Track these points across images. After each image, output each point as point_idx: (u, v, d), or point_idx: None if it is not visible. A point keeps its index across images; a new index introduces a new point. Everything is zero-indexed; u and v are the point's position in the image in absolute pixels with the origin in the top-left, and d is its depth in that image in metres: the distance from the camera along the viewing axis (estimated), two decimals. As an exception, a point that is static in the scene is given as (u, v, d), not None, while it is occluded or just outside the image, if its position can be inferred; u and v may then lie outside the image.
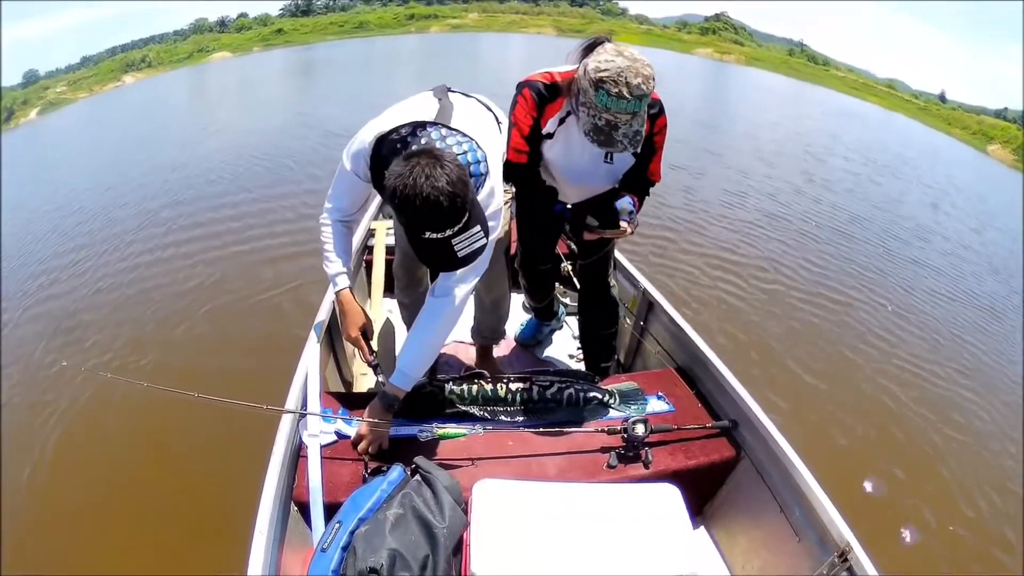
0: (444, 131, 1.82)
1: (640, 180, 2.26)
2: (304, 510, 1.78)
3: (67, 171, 11.40)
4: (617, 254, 2.88)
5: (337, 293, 2.08)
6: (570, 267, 3.12)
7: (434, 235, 1.56)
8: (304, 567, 1.54)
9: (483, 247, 1.65)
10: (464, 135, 1.83)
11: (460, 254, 1.61)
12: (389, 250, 2.85)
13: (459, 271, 1.85)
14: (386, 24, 54.42)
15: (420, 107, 1.90)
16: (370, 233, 3.49)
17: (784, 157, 10.74)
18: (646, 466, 1.96)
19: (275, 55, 41.80)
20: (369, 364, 2.12)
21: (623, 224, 2.18)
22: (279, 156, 9.58)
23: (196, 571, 2.65)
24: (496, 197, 1.88)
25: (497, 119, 2.11)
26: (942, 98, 43.32)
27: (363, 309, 2.11)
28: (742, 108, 18.20)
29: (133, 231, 6.99)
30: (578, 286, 2.99)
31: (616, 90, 1.79)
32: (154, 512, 3.07)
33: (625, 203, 2.18)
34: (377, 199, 3.54)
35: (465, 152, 1.78)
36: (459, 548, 1.56)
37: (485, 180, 1.83)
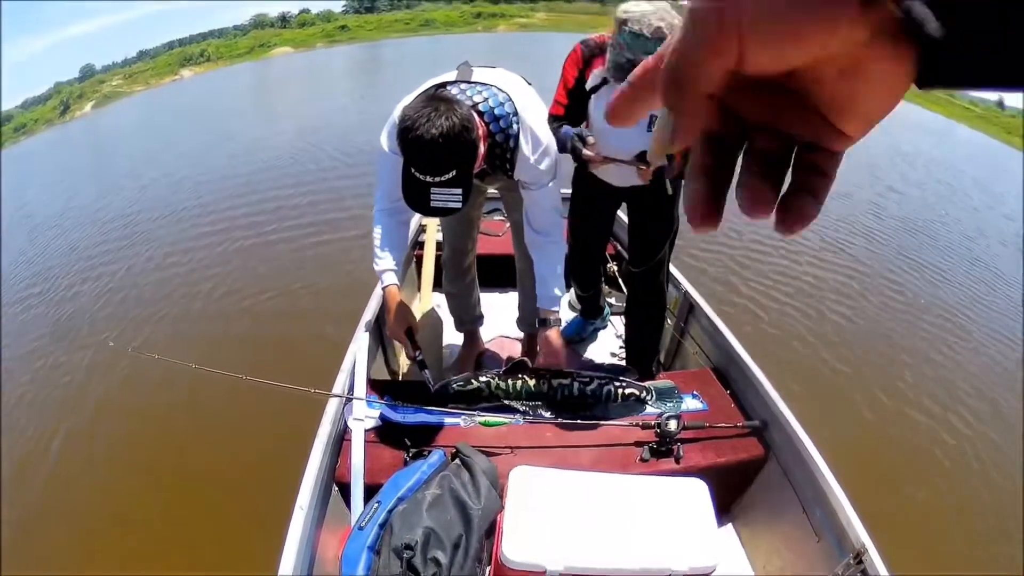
0: (464, 85, 2.00)
1: None
2: (345, 491, 1.92)
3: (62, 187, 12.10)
4: None
5: (384, 290, 2.24)
6: (616, 268, 3.21)
7: (417, 175, 1.73)
8: (341, 545, 1.68)
9: (455, 209, 1.79)
10: (484, 84, 2.01)
11: (432, 203, 1.76)
12: (439, 246, 3.00)
13: (546, 209, 2.19)
14: (452, 22, 55.43)
15: (441, 77, 2.08)
16: (421, 229, 3.68)
17: (857, 188, 9.50)
18: (677, 461, 2.06)
19: (338, 52, 42.88)
20: (413, 360, 2.27)
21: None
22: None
23: (234, 545, 2.85)
24: (543, 136, 2.05)
25: (526, 80, 2.26)
26: (1000, 104, 42.13)
27: (408, 308, 2.27)
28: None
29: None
30: (623, 288, 3.11)
31: (637, 28, 1.96)
32: (198, 490, 3.30)
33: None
34: None
35: (486, 99, 1.96)
36: (492, 530, 1.69)
37: (515, 119, 1.99)
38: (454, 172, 1.73)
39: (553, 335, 2.30)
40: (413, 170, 1.73)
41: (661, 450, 2.08)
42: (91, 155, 15.28)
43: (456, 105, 1.75)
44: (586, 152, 2.33)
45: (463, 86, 1.99)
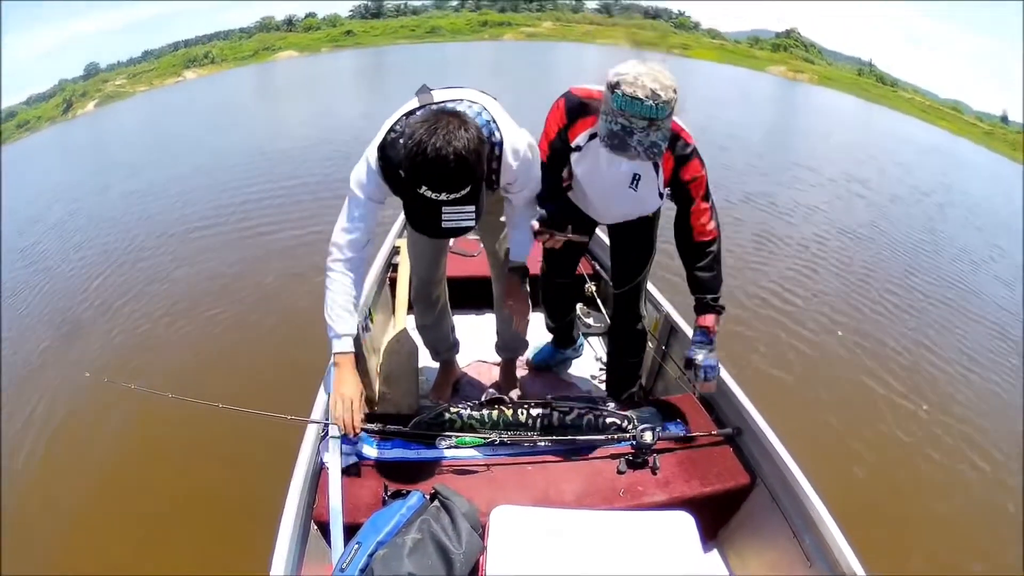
0: (434, 106, 1.91)
1: (686, 241, 2.29)
2: (324, 529, 1.90)
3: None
4: None
5: (335, 355, 2.05)
6: (593, 288, 3.20)
7: (429, 193, 1.66)
8: (323, 587, 1.66)
9: (467, 228, 1.75)
10: (456, 100, 1.96)
11: (444, 224, 1.72)
12: None
13: (530, 195, 2.22)
14: (459, 30, 55.67)
15: (405, 106, 2.00)
16: (395, 251, 3.64)
17: (882, 263, 7.68)
18: (654, 472, 2.10)
19: (343, 56, 42.98)
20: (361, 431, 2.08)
21: (709, 383, 2.28)
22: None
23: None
24: (519, 139, 2.02)
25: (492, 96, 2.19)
26: (1004, 119, 42.90)
27: (356, 377, 2.06)
28: (821, 157, 14.18)
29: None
30: (601, 307, 3.16)
31: (631, 91, 1.86)
32: (170, 526, 3.25)
33: (704, 360, 2.25)
34: (400, 220, 3.70)
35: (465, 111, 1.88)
36: (475, 572, 1.68)
37: (494, 126, 1.95)
38: (469, 188, 1.69)
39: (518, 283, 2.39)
40: (424, 189, 1.66)
41: (637, 461, 2.11)
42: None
43: (464, 117, 1.72)
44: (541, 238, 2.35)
45: (434, 106, 1.91)
